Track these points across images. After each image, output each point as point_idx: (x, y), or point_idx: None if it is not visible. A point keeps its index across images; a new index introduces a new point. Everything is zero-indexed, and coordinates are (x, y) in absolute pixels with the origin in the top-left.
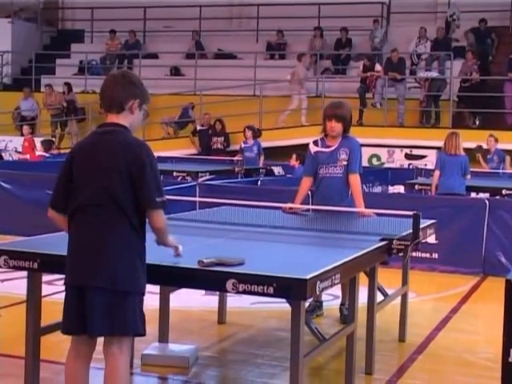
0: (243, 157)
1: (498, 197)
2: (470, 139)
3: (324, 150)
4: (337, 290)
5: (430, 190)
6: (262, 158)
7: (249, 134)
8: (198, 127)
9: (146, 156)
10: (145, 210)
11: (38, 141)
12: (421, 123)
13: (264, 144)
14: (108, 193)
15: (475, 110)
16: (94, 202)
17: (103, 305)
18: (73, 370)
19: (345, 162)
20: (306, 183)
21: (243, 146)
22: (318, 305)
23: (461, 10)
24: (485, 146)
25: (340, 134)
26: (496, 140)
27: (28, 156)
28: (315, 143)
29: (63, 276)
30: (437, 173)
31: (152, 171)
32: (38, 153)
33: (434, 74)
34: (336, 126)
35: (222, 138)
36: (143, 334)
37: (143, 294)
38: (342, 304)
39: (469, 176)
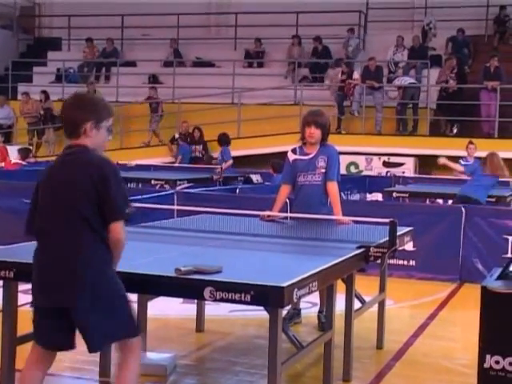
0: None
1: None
2: (446, 147)
3: (302, 157)
4: (315, 298)
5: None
6: (226, 164)
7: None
8: (176, 135)
9: (109, 170)
10: (108, 222)
11: (13, 149)
12: (397, 131)
13: (242, 152)
14: (74, 209)
15: (452, 118)
16: (62, 219)
17: (93, 321)
18: (33, 377)
19: (323, 170)
20: (284, 191)
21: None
22: (296, 312)
23: (437, 19)
24: (464, 154)
25: (318, 141)
26: (476, 148)
27: (3, 164)
28: (293, 151)
29: None
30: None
31: (116, 184)
32: (14, 160)
33: (408, 79)
34: (315, 133)
35: (201, 146)
36: (138, 334)
37: (125, 295)
38: (320, 311)
39: None
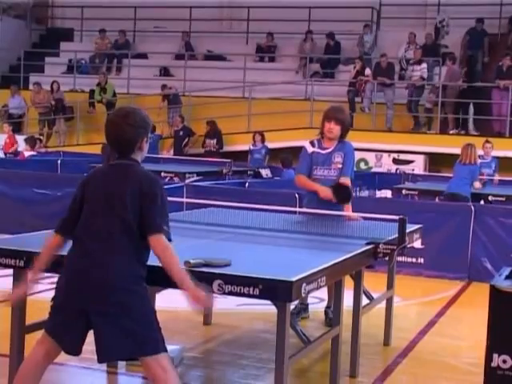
0: (251, 158)
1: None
2: (457, 145)
3: (320, 151)
4: (323, 293)
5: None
6: (267, 158)
7: (258, 138)
8: (174, 129)
9: (158, 188)
10: (147, 236)
11: (21, 139)
12: (413, 129)
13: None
14: (121, 220)
15: (462, 117)
16: (107, 229)
17: (115, 329)
18: (36, 368)
19: (339, 165)
20: (305, 178)
21: (252, 148)
22: (303, 307)
23: (450, 17)
24: (480, 153)
25: (337, 137)
26: (492, 146)
27: (30, 153)
28: (312, 143)
29: (49, 274)
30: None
31: (161, 202)
32: (26, 153)
33: (418, 71)
34: (334, 128)
35: (215, 140)
36: (160, 351)
37: (152, 313)
38: (328, 307)
39: (477, 184)
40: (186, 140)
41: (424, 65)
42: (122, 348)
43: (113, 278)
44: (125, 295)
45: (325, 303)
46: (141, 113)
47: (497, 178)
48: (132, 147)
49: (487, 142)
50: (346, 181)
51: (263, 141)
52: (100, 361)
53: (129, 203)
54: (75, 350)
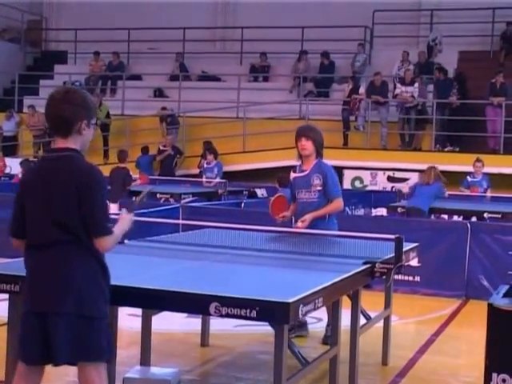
0: (205, 177)
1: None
2: (451, 162)
3: (300, 174)
4: (319, 313)
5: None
6: (218, 178)
7: (210, 156)
8: (161, 148)
9: (97, 183)
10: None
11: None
12: (400, 146)
13: (247, 166)
14: (64, 226)
15: (456, 134)
16: (52, 237)
17: (68, 331)
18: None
19: (319, 188)
20: (292, 207)
21: (205, 166)
22: (298, 324)
23: (443, 35)
24: (471, 170)
25: (312, 153)
26: (483, 165)
27: None
28: (294, 170)
29: None
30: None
31: (101, 198)
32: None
33: (410, 89)
34: (306, 145)
35: None
36: (109, 358)
37: (107, 318)
38: (328, 325)
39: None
40: (176, 160)
41: (416, 85)
42: (73, 351)
43: (63, 280)
44: (76, 297)
45: (322, 323)
46: (83, 93)
47: (489, 194)
48: (69, 127)
49: (477, 160)
50: (338, 203)
51: (216, 158)
52: (55, 363)
53: (69, 207)
54: (38, 358)
